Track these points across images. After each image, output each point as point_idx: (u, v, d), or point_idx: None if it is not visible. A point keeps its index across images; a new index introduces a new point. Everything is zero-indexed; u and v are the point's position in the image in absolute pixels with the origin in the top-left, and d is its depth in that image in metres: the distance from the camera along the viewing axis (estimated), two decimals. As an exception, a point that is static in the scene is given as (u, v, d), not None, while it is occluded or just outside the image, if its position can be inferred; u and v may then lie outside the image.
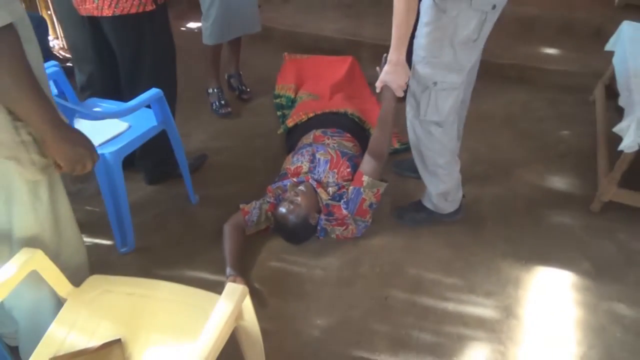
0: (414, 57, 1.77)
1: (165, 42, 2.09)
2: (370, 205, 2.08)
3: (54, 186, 1.22)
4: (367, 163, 2.07)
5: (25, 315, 1.36)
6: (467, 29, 1.63)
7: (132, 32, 1.94)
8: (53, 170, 1.19)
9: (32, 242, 1.23)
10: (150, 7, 1.90)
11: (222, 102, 2.96)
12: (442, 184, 2.02)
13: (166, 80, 2.07)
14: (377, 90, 1.87)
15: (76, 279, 1.34)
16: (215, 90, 2.97)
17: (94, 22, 1.97)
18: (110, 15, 1.86)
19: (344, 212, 2.05)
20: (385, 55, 1.80)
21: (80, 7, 1.90)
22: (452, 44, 1.66)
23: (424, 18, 1.65)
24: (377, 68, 1.89)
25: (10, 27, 0.90)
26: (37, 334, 1.24)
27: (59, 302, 1.32)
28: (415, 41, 1.74)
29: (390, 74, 1.75)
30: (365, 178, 2.04)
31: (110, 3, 1.83)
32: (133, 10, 1.86)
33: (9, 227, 1.21)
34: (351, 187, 2.08)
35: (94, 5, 1.85)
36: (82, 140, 1.16)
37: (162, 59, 2.08)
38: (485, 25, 1.65)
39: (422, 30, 1.67)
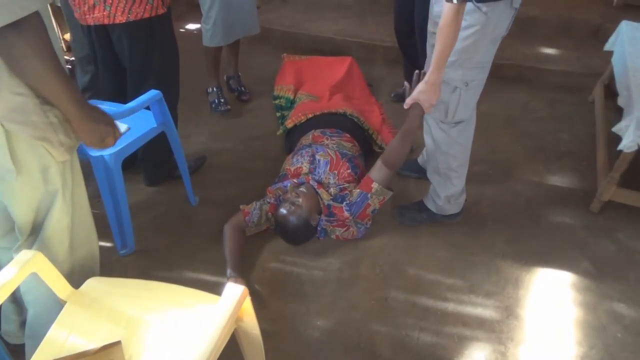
0: None
1: (172, 44, 2.10)
2: (373, 211, 2.08)
3: (75, 172, 1.28)
4: (379, 170, 2.05)
5: (39, 299, 1.37)
6: (504, 27, 1.67)
7: (144, 36, 1.94)
8: (75, 155, 1.26)
9: (58, 227, 1.26)
10: (162, 11, 1.91)
11: (222, 100, 2.97)
12: (452, 186, 2.03)
13: (171, 83, 2.08)
14: (406, 107, 1.83)
15: (88, 270, 1.36)
16: (214, 89, 2.98)
17: (100, 29, 1.96)
18: (124, 21, 1.86)
19: (346, 214, 2.05)
20: (418, 72, 1.79)
21: (88, 16, 1.89)
22: (486, 43, 1.68)
23: (461, 23, 1.63)
24: (406, 83, 1.88)
25: (36, 14, 0.96)
26: (47, 322, 1.24)
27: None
28: None
29: (424, 93, 1.72)
30: (374, 185, 2.03)
31: (124, 10, 1.83)
32: (146, 15, 1.87)
33: (44, 214, 1.25)
34: (357, 190, 2.07)
35: (105, 13, 1.84)
36: (105, 118, 1.24)
37: (168, 62, 2.09)
38: (512, 20, 1.69)
39: (459, 35, 1.65)
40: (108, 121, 1.24)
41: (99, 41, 2.01)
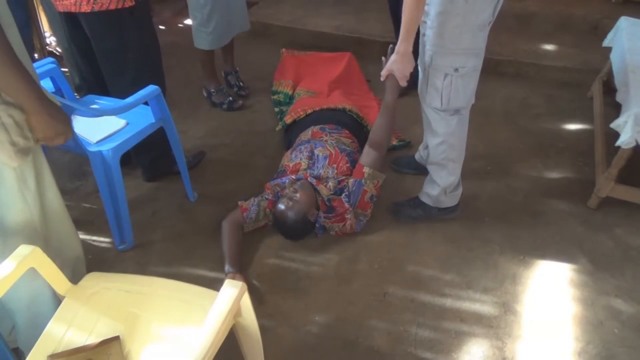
0: (430, 49, 1.77)
1: (148, 37, 2.06)
2: (371, 198, 2.09)
3: (42, 175, 1.27)
4: (367, 154, 2.10)
5: (23, 306, 1.36)
6: (486, 12, 1.67)
7: (112, 28, 1.91)
8: (38, 156, 1.25)
9: (22, 228, 1.25)
10: (130, 3, 1.86)
11: (231, 97, 2.98)
12: (450, 176, 2.04)
13: (151, 76, 2.04)
14: (382, 79, 1.92)
15: (72, 273, 1.35)
16: (219, 90, 2.97)
17: (71, 19, 1.94)
18: (88, 11, 1.83)
19: (346, 205, 2.05)
20: (391, 45, 1.86)
21: (58, 2, 1.87)
22: (471, 29, 1.69)
23: (437, 8, 1.66)
24: (383, 58, 1.94)
25: None
26: (36, 325, 1.24)
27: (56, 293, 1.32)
28: (430, 32, 1.74)
29: (396, 63, 1.80)
30: (366, 169, 2.06)
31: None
32: (112, 7, 1.83)
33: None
34: (352, 180, 2.08)
35: (72, 1, 1.82)
36: (62, 116, 1.23)
37: (146, 55, 2.05)
38: (498, 7, 1.69)
39: (436, 21, 1.69)
40: (65, 120, 1.24)
41: (71, 30, 1.99)
